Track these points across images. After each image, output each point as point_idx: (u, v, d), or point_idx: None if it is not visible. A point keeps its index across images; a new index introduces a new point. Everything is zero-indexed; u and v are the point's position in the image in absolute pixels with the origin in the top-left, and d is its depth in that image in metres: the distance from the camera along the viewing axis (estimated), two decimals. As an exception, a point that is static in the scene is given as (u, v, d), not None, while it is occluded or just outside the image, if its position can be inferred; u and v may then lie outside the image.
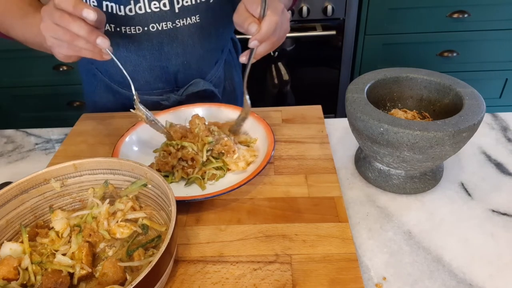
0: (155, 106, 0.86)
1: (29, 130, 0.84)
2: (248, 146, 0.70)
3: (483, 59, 1.70)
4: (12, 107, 1.83)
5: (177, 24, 0.78)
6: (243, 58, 0.62)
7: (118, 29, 0.76)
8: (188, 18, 0.78)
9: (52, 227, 0.52)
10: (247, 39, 0.59)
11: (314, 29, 1.61)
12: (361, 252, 0.54)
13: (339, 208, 0.59)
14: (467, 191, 0.63)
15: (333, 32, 1.61)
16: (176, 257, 0.53)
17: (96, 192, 0.56)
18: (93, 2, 0.73)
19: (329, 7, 1.55)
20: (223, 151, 0.66)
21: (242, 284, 0.49)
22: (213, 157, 0.66)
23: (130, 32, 0.77)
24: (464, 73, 1.72)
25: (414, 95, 0.67)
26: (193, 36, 0.81)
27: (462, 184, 0.64)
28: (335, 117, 1.85)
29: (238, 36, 1.07)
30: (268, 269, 0.51)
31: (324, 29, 1.61)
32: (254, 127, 0.73)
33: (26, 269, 0.48)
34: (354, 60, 1.74)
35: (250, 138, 0.73)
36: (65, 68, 1.70)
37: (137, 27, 0.76)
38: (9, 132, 0.84)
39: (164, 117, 0.75)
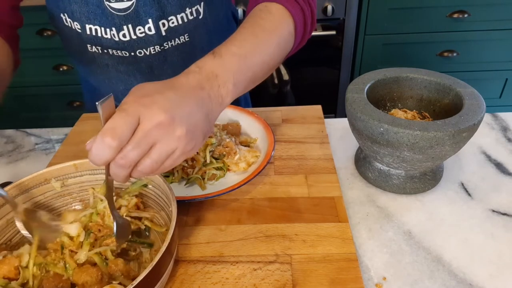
0: None
1: (29, 130, 0.84)
2: (248, 146, 0.71)
3: (483, 59, 1.70)
4: (12, 107, 1.83)
5: (165, 46, 0.74)
6: None
7: (105, 50, 0.74)
8: (177, 39, 0.74)
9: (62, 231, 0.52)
10: None
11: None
12: (361, 252, 0.54)
13: (339, 208, 0.59)
14: (467, 191, 0.63)
15: (333, 32, 1.61)
16: (176, 257, 0.53)
17: (97, 191, 0.56)
18: (76, 24, 0.71)
19: (329, 7, 1.55)
20: (224, 153, 0.66)
21: (242, 284, 0.49)
22: (213, 157, 0.66)
23: (117, 54, 0.74)
24: (464, 73, 1.72)
25: (414, 95, 0.67)
26: (183, 56, 0.77)
27: (462, 184, 0.64)
28: (335, 117, 1.85)
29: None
30: (268, 269, 0.51)
31: (324, 29, 1.61)
32: (254, 127, 0.73)
33: (27, 266, 0.48)
34: (354, 60, 1.74)
35: (250, 138, 0.73)
36: (65, 68, 1.70)
37: (123, 52, 0.74)
38: (9, 132, 0.84)
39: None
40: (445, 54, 1.68)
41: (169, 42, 0.74)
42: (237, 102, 1.00)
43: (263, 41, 0.57)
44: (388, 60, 1.71)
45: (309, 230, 0.56)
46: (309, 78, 1.76)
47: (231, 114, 0.76)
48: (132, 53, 0.74)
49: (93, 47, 0.74)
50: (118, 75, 0.79)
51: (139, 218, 0.54)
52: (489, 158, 0.69)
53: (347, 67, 1.73)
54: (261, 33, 0.57)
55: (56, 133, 0.83)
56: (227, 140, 0.67)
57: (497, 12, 1.57)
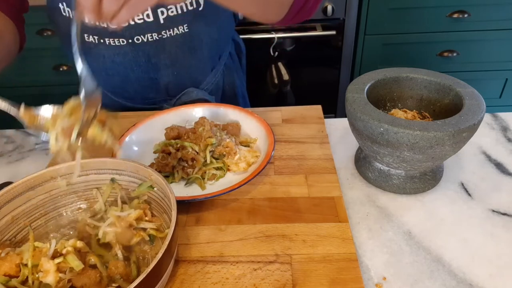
0: None
1: (29, 130, 0.84)
2: (248, 146, 0.71)
3: (483, 59, 1.70)
4: (12, 107, 1.83)
5: (164, 35, 0.74)
6: None
7: (101, 40, 0.74)
8: (175, 28, 0.74)
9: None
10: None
11: (314, 29, 1.61)
12: (361, 252, 0.54)
13: (339, 208, 0.59)
14: (467, 191, 0.63)
15: (333, 32, 1.61)
16: (176, 257, 0.53)
17: (103, 191, 0.56)
18: (74, 13, 0.72)
19: (329, 7, 1.55)
20: (224, 153, 0.66)
21: (242, 284, 0.49)
22: (213, 157, 0.66)
23: (114, 44, 0.74)
24: (464, 73, 1.72)
25: (414, 95, 0.67)
26: (182, 47, 0.77)
27: (462, 184, 0.64)
28: (335, 117, 1.85)
29: (242, 36, 1.05)
30: (268, 269, 0.51)
31: (324, 29, 1.61)
32: (254, 127, 0.73)
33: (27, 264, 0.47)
34: (354, 60, 1.74)
35: (250, 138, 0.73)
36: (65, 68, 1.70)
37: (120, 39, 0.74)
38: (9, 132, 0.84)
39: (165, 118, 0.75)
40: (445, 54, 1.68)
41: (167, 31, 0.74)
42: (237, 102, 1.00)
43: None
44: (388, 60, 1.71)
45: (309, 230, 0.56)
46: (309, 78, 1.77)
47: (231, 114, 0.76)
48: (130, 40, 0.74)
49: (90, 37, 0.74)
50: (114, 67, 0.79)
51: (144, 229, 0.53)
52: (489, 158, 0.69)
53: (347, 67, 1.73)
54: None
55: (56, 133, 0.83)
56: (227, 140, 0.67)
57: (497, 12, 1.57)
